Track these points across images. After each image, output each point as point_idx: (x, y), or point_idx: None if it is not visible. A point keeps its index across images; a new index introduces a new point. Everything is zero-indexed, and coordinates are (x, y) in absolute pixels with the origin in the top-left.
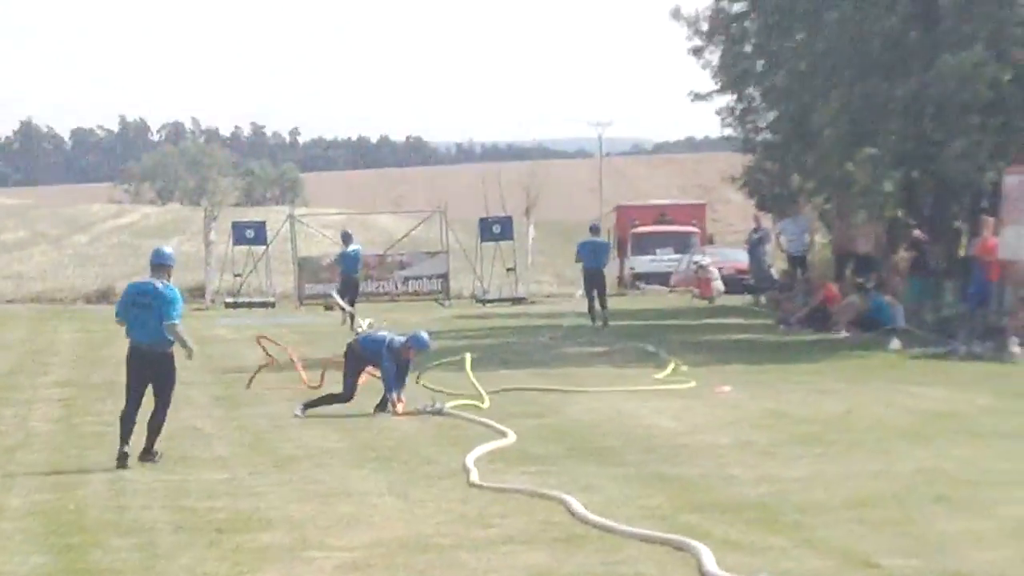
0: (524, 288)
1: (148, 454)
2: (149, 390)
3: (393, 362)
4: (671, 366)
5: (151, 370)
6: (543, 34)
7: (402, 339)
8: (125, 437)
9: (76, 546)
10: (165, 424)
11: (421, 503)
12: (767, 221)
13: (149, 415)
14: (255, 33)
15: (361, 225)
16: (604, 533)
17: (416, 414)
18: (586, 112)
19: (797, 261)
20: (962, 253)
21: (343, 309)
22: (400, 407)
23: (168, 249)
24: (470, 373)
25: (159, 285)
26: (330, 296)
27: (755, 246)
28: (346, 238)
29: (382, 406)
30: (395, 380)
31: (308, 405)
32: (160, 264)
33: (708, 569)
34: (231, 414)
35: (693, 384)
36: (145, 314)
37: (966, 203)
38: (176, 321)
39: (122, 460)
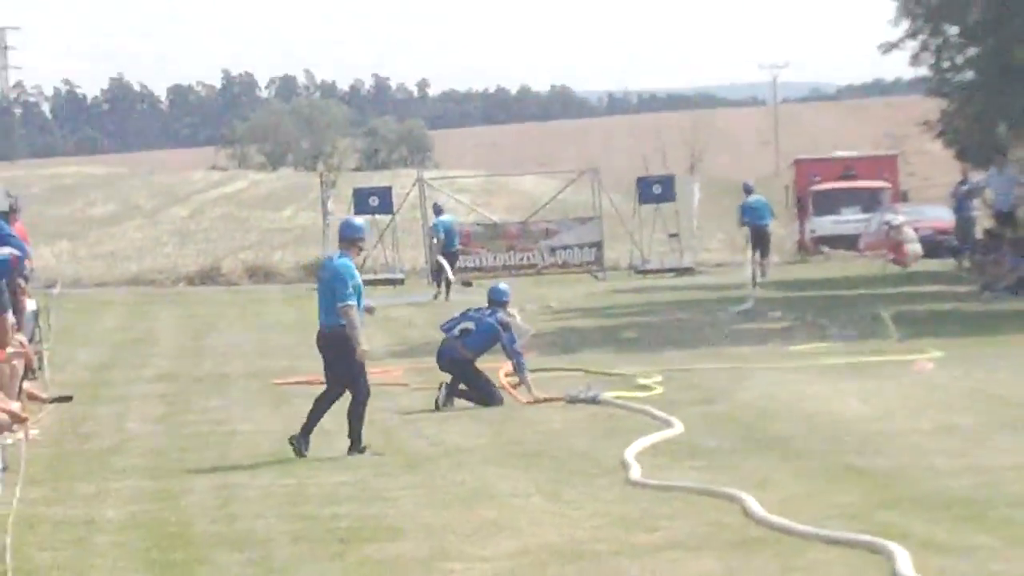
0: (690, 256)
1: (353, 448)
2: None
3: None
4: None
5: (331, 354)
6: None
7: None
8: (306, 425)
9: (180, 563)
10: (359, 418)
11: (574, 505)
12: (976, 174)
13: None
14: None
15: (502, 189)
16: (784, 535)
17: (569, 401)
18: (757, 54)
19: (1005, 218)
20: None
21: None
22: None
23: (358, 221)
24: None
25: (335, 260)
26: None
27: (963, 201)
28: (436, 210)
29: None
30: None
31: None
32: (348, 238)
33: (905, 574)
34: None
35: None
36: (323, 292)
37: None
38: (349, 303)
39: (296, 445)
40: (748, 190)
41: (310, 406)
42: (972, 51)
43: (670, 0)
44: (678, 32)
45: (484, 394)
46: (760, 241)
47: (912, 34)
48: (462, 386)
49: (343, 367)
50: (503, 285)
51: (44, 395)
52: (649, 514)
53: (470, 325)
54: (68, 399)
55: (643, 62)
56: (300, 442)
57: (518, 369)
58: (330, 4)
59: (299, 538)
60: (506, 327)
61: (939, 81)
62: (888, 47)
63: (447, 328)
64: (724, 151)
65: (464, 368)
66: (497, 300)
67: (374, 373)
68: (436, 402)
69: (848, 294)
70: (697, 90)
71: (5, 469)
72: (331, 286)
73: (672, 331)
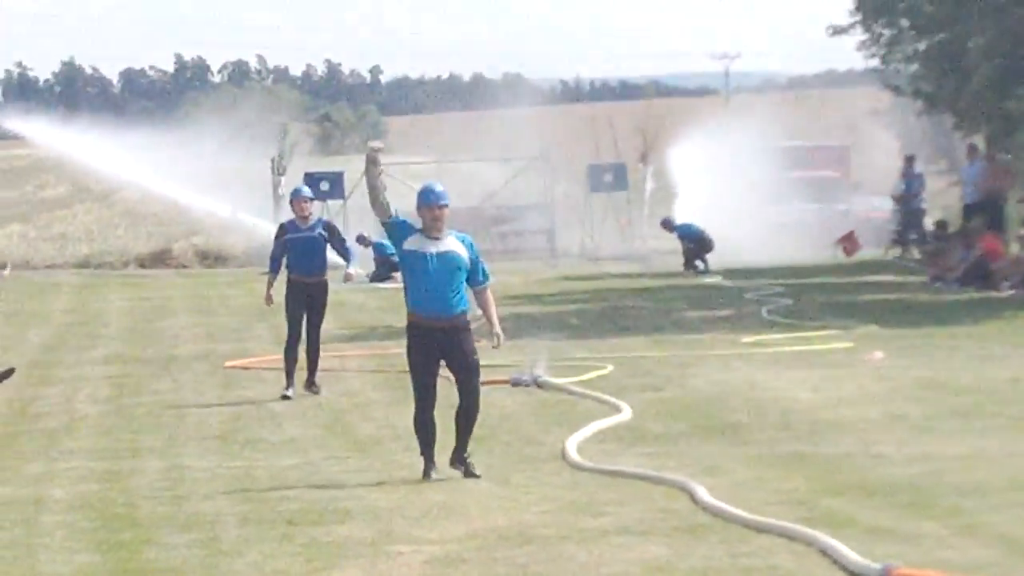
0: (641, 244)
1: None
2: None
3: None
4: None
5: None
6: None
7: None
8: None
9: (128, 543)
10: None
11: (523, 489)
12: (920, 164)
13: None
14: None
15: (454, 175)
16: (731, 524)
17: (513, 385)
18: (709, 43)
19: (971, 210)
20: None
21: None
22: None
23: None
24: None
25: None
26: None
27: (908, 192)
28: None
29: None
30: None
31: None
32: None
33: (859, 565)
34: (303, 391)
35: (849, 344)
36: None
37: None
38: (350, 270)
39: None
40: (669, 226)
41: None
42: (921, 45)
43: None
44: (631, 20)
45: None
46: (703, 246)
47: (866, 26)
48: None
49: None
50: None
51: None
52: (597, 499)
53: None
54: (10, 372)
55: (596, 50)
56: None
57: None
58: None
59: (247, 520)
60: None
61: (889, 73)
62: (837, 30)
63: None
64: (677, 141)
65: None
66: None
67: (330, 356)
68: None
69: (800, 283)
70: (650, 79)
71: None
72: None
73: (622, 318)
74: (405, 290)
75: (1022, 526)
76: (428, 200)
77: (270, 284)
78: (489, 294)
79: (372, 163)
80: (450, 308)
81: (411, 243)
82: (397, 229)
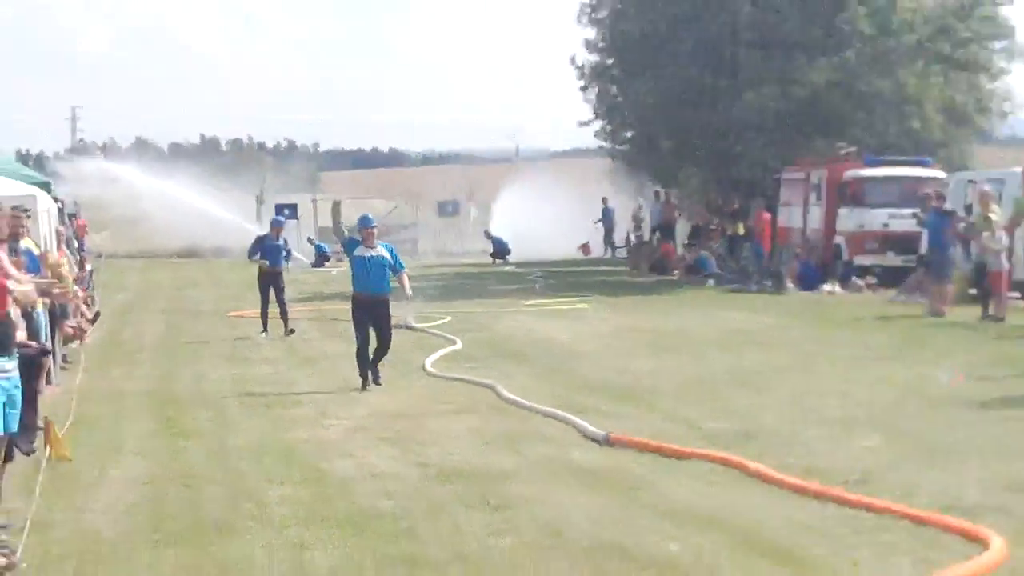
0: (469, 246)
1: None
2: None
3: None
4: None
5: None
6: (472, 66)
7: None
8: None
9: (171, 416)
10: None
11: (400, 388)
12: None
13: None
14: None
15: (362, 207)
16: (519, 408)
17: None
18: (503, 122)
19: (659, 228)
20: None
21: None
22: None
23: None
24: None
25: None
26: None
27: (603, 218)
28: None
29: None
30: None
31: None
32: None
33: (590, 431)
34: (281, 335)
35: (584, 307)
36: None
37: (758, 191)
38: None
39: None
40: (488, 235)
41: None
42: (630, 134)
43: (445, 74)
44: (455, 102)
45: None
46: (504, 249)
47: (597, 117)
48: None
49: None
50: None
51: (89, 316)
52: (442, 394)
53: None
54: (97, 315)
55: (452, 127)
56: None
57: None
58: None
59: (242, 403)
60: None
61: (611, 151)
62: (583, 123)
63: None
64: (487, 190)
65: None
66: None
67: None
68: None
69: (558, 270)
70: (468, 150)
71: (70, 362)
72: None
73: (457, 289)
74: (352, 277)
75: (685, 409)
76: (364, 224)
77: (260, 264)
78: (404, 275)
79: (335, 210)
80: (379, 290)
81: (357, 252)
82: (348, 245)
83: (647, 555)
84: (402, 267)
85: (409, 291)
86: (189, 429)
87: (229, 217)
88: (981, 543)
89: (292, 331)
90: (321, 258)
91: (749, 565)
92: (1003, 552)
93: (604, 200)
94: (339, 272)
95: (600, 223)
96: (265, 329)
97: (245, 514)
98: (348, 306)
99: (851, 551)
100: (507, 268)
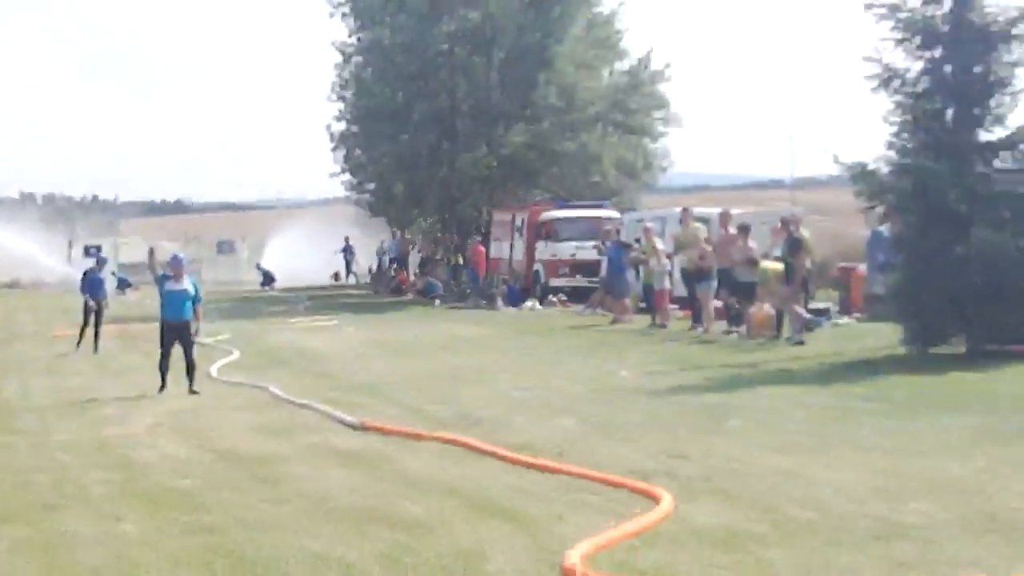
0: (243, 277)
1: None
2: None
3: None
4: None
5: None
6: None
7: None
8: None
9: (1, 420)
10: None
11: (196, 392)
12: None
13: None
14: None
15: (158, 246)
16: (288, 404)
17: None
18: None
19: (395, 260)
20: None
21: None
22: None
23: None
24: None
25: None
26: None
27: (345, 251)
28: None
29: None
30: None
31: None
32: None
33: (346, 420)
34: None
35: (336, 323)
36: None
37: (474, 230)
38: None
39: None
40: (259, 268)
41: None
42: (372, 185)
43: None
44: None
45: None
46: (272, 278)
47: (344, 172)
48: None
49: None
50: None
51: None
52: (227, 395)
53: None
54: None
55: (229, 179)
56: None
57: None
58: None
59: (60, 408)
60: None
61: (357, 200)
62: (333, 175)
63: None
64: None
65: None
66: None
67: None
68: None
69: (317, 293)
70: (241, 200)
71: None
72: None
73: (237, 310)
74: (161, 306)
75: (412, 399)
76: (174, 264)
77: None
78: (200, 307)
79: (151, 254)
80: (182, 316)
81: (167, 285)
82: (161, 281)
83: (397, 516)
84: (199, 301)
85: (200, 322)
86: (16, 429)
87: (46, 258)
88: (654, 499)
89: (99, 347)
90: (123, 284)
91: (477, 522)
92: (671, 505)
93: (346, 239)
94: (137, 299)
95: (342, 254)
96: (80, 343)
97: (68, 495)
98: (146, 327)
99: (556, 508)
100: (274, 293)
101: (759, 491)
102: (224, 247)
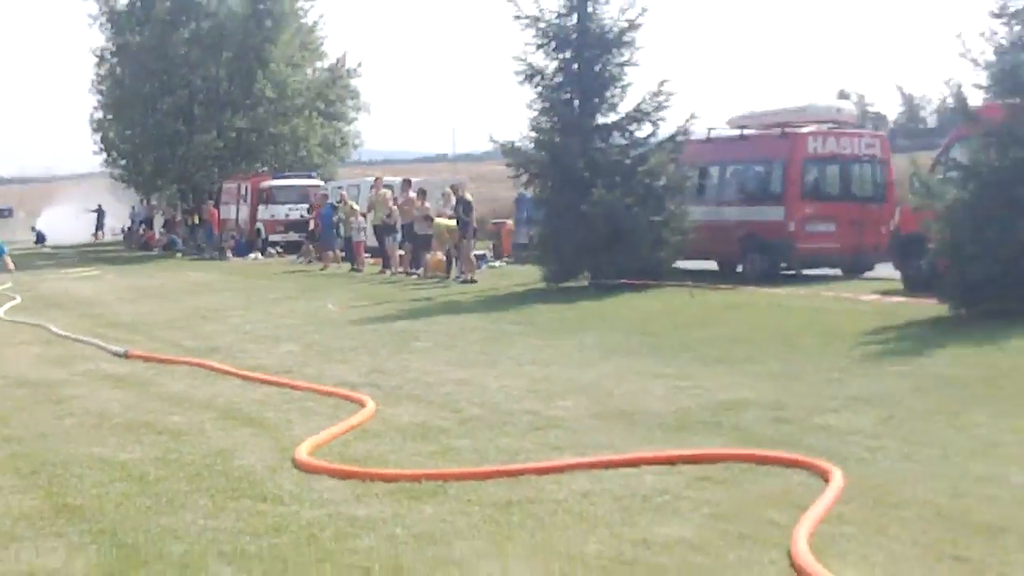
0: (19, 238)
1: None
2: None
3: None
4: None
5: None
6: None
7: None
8: None
9: None
10: None
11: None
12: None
13: None
14: None
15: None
16: (65, 339)
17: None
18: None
19: (144, 221)
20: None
21: None
22: None
23: None
24: None
25: None
26: None
27: (97, 214)
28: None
29: None
30: None
31: None
32: None
33: (114, 350)
34: None
35: (98, 273)
36: None
37: (209, 196)
38: None
39: None
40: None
41: None
42: (124, 162)
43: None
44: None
45: None
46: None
47: (102, 151)
48: None
49: None
50: None
51: None
52: (11, 332)
53: None
54: None
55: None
56: None
57: None
58: None
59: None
60: None
61: (111, 173)
62: (95, 153)
63: None
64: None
65: None
66: None
67: None
68: None
69: (81, 250)
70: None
71: None
72: None
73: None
74: None
75: (173, 335)
76: None
77: None
78: (7, 257)
79: None
80: None
81: None
82: None
83: (162, 425)
84: (3, 251)
85: (12, 266)
86: None
87: None
88: (361, 404)
89: None
90: None
91: (228, 428)
92: (375, 408)
93: (99, 206)
94: None
95: (95, 215)
96: None
97: None
98: None
99: (287, 415)
100: (46, 250)
101: (444, 395)
102: (4, 212)
